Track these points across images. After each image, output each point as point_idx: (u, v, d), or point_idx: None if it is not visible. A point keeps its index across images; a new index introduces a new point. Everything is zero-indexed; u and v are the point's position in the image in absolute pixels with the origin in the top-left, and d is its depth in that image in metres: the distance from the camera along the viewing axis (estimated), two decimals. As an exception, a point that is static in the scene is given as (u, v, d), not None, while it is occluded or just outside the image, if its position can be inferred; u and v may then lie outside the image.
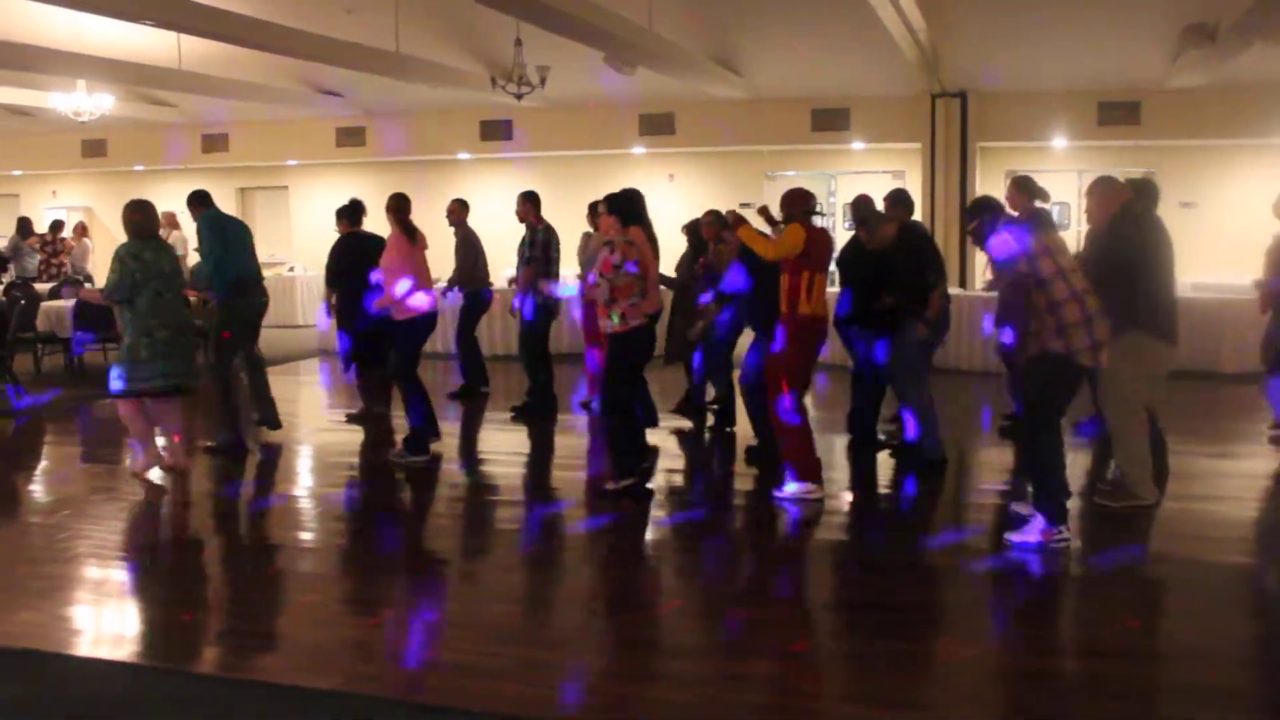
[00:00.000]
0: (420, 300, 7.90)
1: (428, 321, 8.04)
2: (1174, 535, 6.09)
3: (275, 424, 8.83)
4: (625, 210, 6.90)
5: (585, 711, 4.00)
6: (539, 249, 9.46)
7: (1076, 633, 4.86)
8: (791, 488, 6.73)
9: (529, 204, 9.62)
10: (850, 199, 9.10)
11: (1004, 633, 4.75)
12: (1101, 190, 6.33)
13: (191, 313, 7.81)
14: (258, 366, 8.79)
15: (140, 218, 7.24)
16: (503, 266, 13.22)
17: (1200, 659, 4.39)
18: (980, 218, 6.22)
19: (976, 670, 4.33)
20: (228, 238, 8.29)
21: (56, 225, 16.87)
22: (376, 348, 8.82)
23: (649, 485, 6.97)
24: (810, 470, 6.74)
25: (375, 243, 8.75)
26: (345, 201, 9.41)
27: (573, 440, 9.19)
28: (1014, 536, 5.78)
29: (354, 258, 8.98)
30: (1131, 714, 3.93)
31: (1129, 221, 6.21)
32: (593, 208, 9.61)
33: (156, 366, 7.15)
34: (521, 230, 9.63)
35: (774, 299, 6.76)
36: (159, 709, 4.06)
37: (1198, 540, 6.00)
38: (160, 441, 7.49)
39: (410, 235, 8.10)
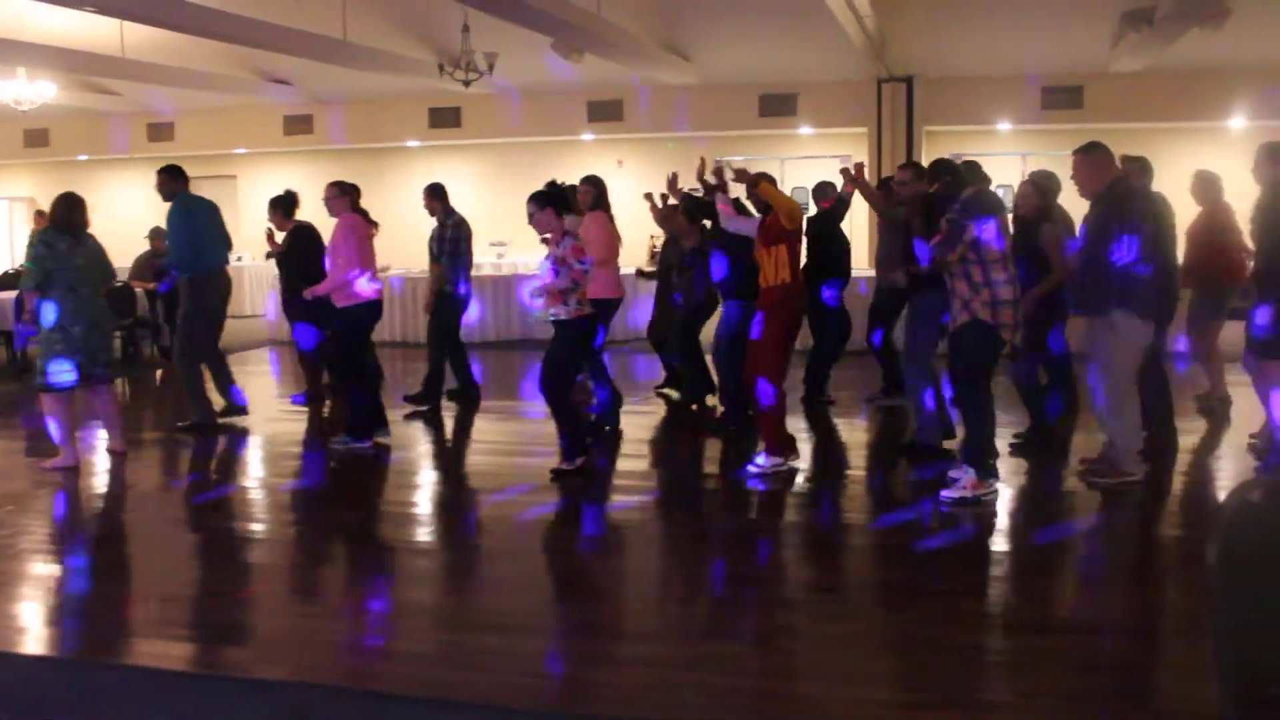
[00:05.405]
0: (366, 286, 7.94)
1: (373, 308, 8.08)
2: (1120, 508, 6.25)
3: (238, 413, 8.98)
4: (558, 203, 7.01)
5: (540, 696, 4.05)
6: (448, 243, 9.34)
7: (1021, 608, 4.96)
8: (762, 461, 6.94)
9: (434, 198, 9.50)
10: (798, 184, 9.43)
11: (954, 609, 4.83)
12: (1093, 161, 6.29)
13: (109, 307, 7.90)
14: (218, 358, 8.91)
15: (61, 210, 7.33)
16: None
17: (1135, 632, 4.52)
18: (943, 179, 6.46)
19: (927, 646, 4.42)
20: (197, 226, 8.45)
21: None
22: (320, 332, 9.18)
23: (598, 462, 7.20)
24: (782, 444, 6.96)
25: (317, 234, 9.28)
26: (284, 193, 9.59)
27: (517, 427, 9.24)
28: (946, 493, 6.16)
29: (317, 248, 9.16)
30: (1073, 688, 4.02)
31: (1114, 201, 6.23)
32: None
33: (73, 361, 7.24)
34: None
35: (748, 270, 7.10)
36: (107, 705, 4.05)
37: (1141, 513, 6.23)
38: (101, 432, 7.75)
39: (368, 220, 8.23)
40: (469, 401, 9.71)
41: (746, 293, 7.48)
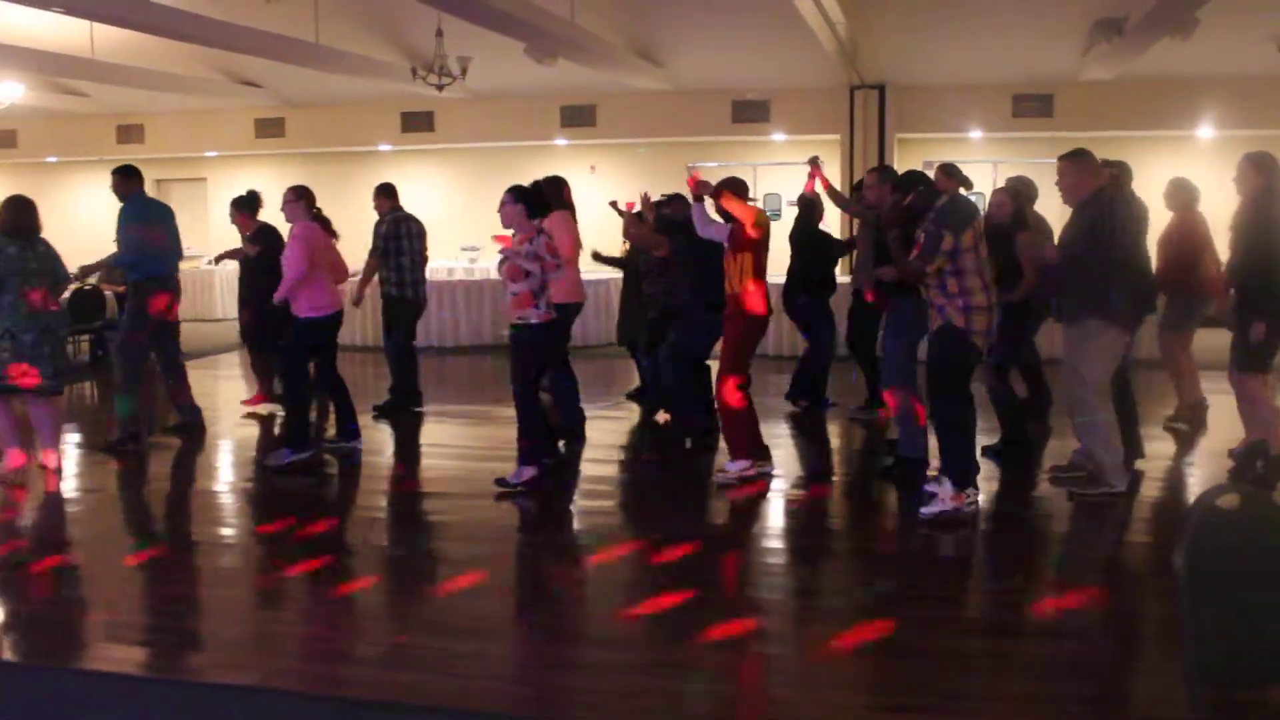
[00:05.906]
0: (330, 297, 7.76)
1: (334, 320, 7.84)
2: (1096, 514, 6.25)
3: (199, 426, 8.64)
4: (530, 201, 6.82)
5: (510, 701, 4.03)
6: (379, 239, 9.28)
7: (996, 614, 4.97)
8: (730, 466, 6.89)
9: (379, 196, 9.48)
10: (770, 190, 9.44)
11: (928, 615, 4.83)
12: (1080, 168, 6.21)
13: (63, 310, 7.57)
14: (177, 368, 8.57)
15: (8, 214, 7.03)
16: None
17: (1111, 637, 4.54)
18: (917, 189, 6.31)
19: (901, 650, 4.42)
20: (150, 226, 8.16)
21: None
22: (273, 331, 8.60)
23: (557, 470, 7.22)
24: (752, 449, 6.91)
25: (279, 235, 8.82)
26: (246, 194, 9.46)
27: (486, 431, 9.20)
28: (925, 510, 5.97)
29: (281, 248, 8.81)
30: (1048, 693, 4.04)
31: (1101, 208, 6.13)
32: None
33: (21, 368, 6.96)
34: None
35: (713, 278, 7.03)
36: (69, 711, 4.01)
37: (1117, 519, 6.20)
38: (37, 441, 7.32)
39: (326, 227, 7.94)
40: (407, 409, 9.45)
41: (709, 303, 7.43)
